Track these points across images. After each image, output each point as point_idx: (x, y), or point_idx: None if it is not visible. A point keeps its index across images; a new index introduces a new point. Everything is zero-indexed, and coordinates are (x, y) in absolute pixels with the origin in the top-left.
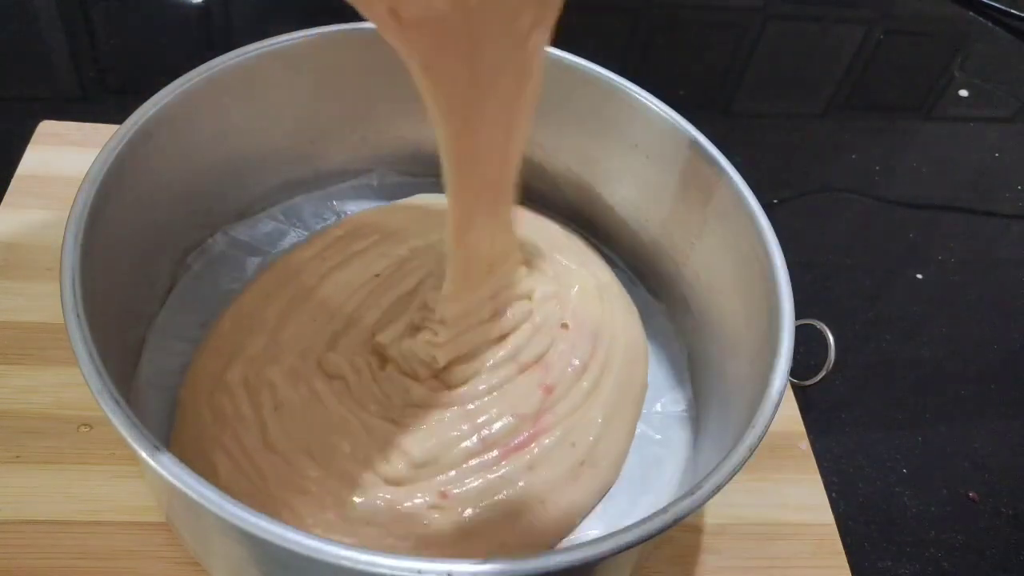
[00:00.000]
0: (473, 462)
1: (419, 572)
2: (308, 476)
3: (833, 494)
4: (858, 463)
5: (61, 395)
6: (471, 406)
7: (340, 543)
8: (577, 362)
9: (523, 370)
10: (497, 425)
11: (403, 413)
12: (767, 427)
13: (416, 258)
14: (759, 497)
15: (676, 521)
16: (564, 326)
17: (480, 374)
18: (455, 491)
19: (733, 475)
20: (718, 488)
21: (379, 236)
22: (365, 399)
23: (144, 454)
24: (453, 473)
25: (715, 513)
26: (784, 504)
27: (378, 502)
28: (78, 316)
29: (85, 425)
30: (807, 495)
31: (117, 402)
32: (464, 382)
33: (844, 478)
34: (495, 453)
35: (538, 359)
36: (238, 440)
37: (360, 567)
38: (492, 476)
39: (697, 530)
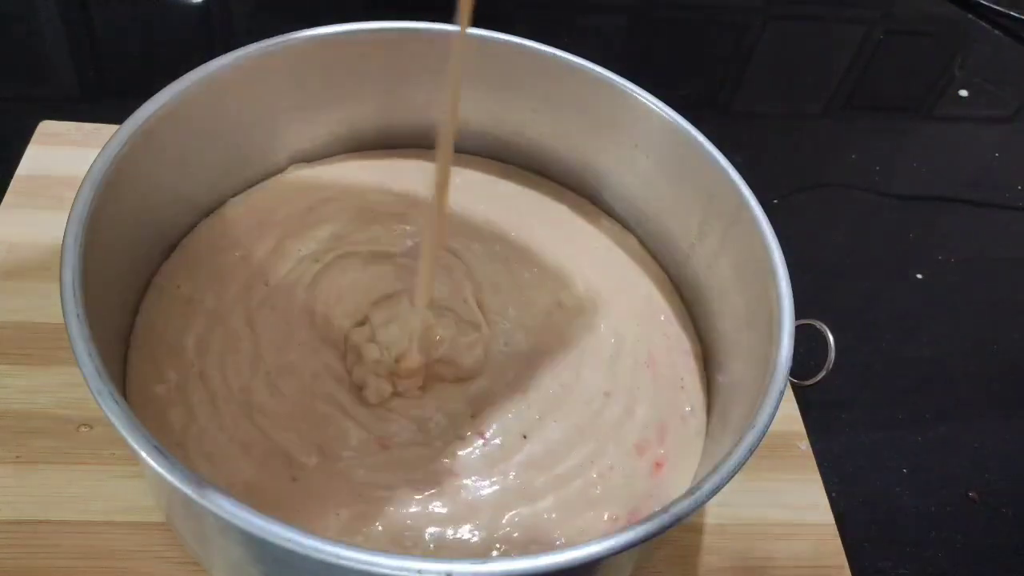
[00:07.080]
0: None
1: (419, 572)
2: None
3: (833, 494)
4: (858, 463)
5: (61, 395)
6: None
7: (340, 542)
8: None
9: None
10: None
11: None
12: (767, 427)
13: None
14: (759, 497)
15: (676, 521)
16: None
17: None
18: None
19: (733, 475)
20: (718, 488)
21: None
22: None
23: (144, 454)
24: None
25: (715, 513)
26: (784, 504)
27: None
28: (78, 316)
29: (85, 425)
30: (807, 495)
31: (117, 402)
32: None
33: (844, 478)
34: None
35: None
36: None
37: (360, 567)
38: None
39: (697, 530)
